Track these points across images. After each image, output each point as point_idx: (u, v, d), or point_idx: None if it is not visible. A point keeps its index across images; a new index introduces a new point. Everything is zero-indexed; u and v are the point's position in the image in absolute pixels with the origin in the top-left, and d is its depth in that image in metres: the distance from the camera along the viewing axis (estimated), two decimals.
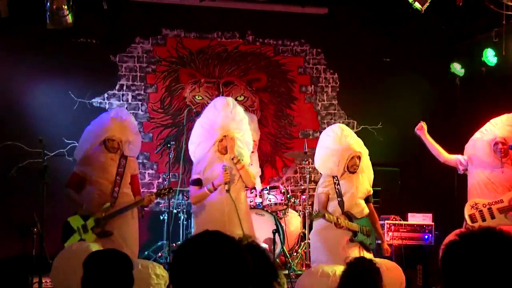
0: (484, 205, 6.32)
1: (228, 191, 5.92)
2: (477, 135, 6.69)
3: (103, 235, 5.90)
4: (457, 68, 8.65)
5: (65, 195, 6.09)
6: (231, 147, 6.04)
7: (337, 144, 6.21)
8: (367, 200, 6.28)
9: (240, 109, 6.29)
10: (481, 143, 6.56)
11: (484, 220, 6.24)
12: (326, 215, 5.92)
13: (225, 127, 6.06)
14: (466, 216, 6.38)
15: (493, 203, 6.31)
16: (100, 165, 6.05)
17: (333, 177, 6.19)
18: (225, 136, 6.03)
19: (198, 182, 6.05)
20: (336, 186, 6.13)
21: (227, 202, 5.95)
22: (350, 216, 6.06)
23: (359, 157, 6.21)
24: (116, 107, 6.48)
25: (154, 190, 8.64)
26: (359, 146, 6.28)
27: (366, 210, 6.22)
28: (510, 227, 6.00)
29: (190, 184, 6.14)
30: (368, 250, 6.05)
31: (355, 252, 5.91)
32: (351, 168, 6.17)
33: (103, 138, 6.10)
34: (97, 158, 6.06)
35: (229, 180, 5.92)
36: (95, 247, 5.39)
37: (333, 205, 6.12)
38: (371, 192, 6.36)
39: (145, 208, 6.60)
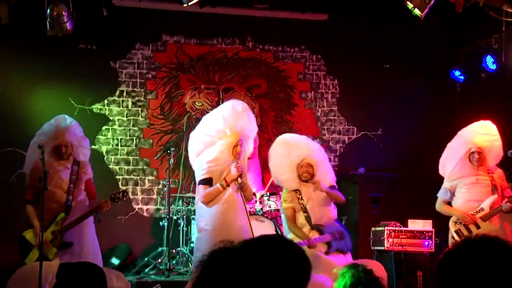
0: None
1: (241, 184, 5.69)
2: (447, 152, 6.71)
3: (63, 247, 5.76)
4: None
5: (25, 211, 5.85)
6: (240, 156, 5.84)
7: (286, 159, 6.16)
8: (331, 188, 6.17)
9: (251, 114, 6.11)
10: (455, 158, 6.57)
11: (470, 232, 6.25)
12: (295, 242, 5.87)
13: (240, 131, 5.86)
14: (453, 233, 6.40)
15: (475, 214, 6.34)
16: (53, 175, 5.83)
17: (295, 191, 6.12)
18: (240, 141, 5.83)
19: (209, 182, 5.71)
20: (299, 200, 6.06)
21: (238, 202, 5.73)
22: (320, 229, 5.99)
23: (309, 165, 6.12)
24: (57, 115, 6.32)
25: (154, 196, 8.66)
26: (305, 151, 6.17)
27: (334, 214, 6.17)
28: (498, 232, 6.04)
29: (201, 183, 5.76)
30: (345, 253, 6.02)
31: (339, 257, 5.89)
32: (302, 176, 6.10)
33: (52, 146, 5.93)
34: (49, 168, 5.76)
35: (242, 174, 5.70)
36: (53, 263, 5.30)
37: (301, 219, 6.07)
38: (332, 184, 6.23)
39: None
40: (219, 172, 5.73)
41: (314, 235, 5.94)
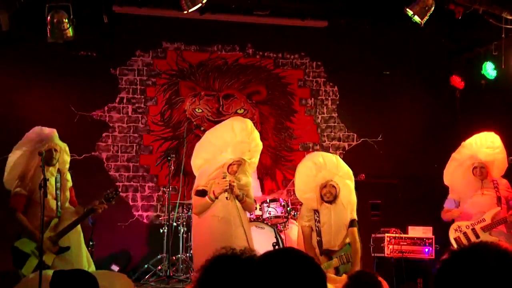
0: (467, 227, 6.45)
1: (227, 198, 5.81)
2: (452, 164, 6.80)
3: (61, 251, 5.75)
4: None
5: (14, 219, 5.71)
6: (236, 172, 5.97)
7: (312, 180, 6.11)
8: (350, 224, 6.07)
9: (257, 135, 6.11)
10: (459, 171, 6.69)
11: (469, 240, 6.32)
12: None
13: (239, 153, 5.94)
14: (452, 240, 6.48)
15: (476, 223, 6.43)
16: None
17: (315, 211, 6.08)
18: (237, 161, 5.92)
19: (203, 193, 5.91)
20: (316, 223, 6.02)
21: (232, 212, 5.86)
22: (329, 255, 5.96)
23: (333, 186, 6.05)
24: (34, 127, 6.27)
25: (154, 203, 8.65)
26: (332, 173, 6.12)
27: (347, 239, 6.07)
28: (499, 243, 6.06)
29: (195, 194, 6.00)
30: None
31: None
32: (325, 197, 6.03)
33: (44, 149, 5.78)
34: (39, 174, 5.65)
35: (228, 188, 5.80)
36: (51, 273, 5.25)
37: (313, 241, 6.06)
38: (354, 218, 6.13)
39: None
40: (212, 187, 5.91)
41: (323, 261, 5.92)
